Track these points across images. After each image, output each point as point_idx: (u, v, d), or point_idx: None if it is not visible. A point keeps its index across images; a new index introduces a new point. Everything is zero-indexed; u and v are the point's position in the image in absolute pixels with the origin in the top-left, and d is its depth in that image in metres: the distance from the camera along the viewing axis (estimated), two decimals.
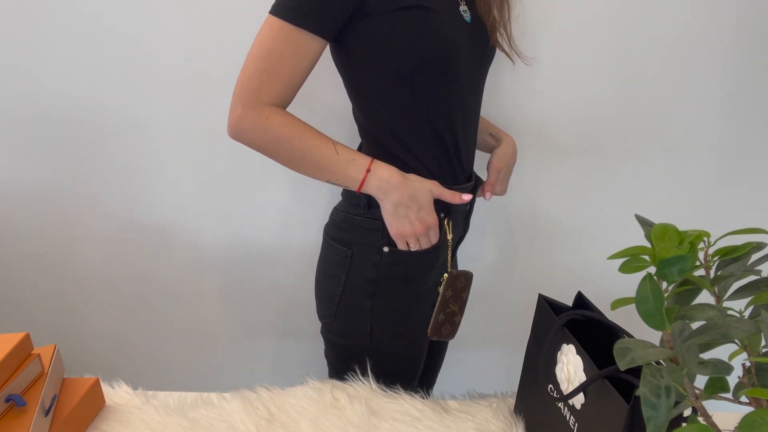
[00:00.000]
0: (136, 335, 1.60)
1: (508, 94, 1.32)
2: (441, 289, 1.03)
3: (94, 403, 0.91)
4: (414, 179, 0.95)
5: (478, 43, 1.01)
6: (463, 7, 0.97)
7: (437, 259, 1.04)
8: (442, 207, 1.01)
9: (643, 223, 0.61)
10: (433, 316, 1.03)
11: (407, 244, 0.99)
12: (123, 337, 1.61)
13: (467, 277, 1.05)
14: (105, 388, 0.95)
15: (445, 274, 1.02)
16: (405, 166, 0.97)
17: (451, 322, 1.06)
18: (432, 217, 0.96)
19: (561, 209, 1.45)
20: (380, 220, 0.99)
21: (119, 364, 1.63)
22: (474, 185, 1.10)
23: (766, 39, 1.29)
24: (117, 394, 0.95)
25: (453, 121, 0.99)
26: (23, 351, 0.82)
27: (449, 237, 1.03)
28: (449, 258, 1.04)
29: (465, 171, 1.06)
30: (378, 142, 0.98)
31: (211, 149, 1.38)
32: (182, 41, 1.28)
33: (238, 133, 0.89)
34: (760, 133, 1.38)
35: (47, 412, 0.82)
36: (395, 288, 1.03)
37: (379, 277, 1.01)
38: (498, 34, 1.05)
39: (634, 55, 1.30)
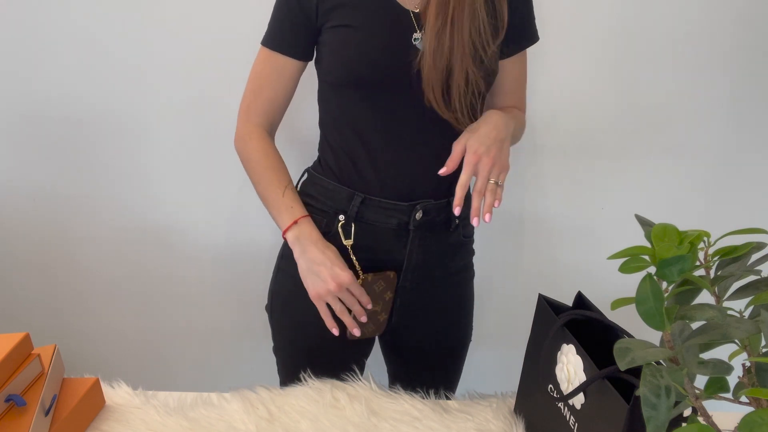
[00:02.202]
0: (136, 335, 1.60)
1: None
2: None
3: (94, 403, 0.91)
4: (328, 254, 0.97)
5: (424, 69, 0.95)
6: (417, 35, 0.95)
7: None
8: (339, 208, 1.03)
9: (643, 223, 0.62)
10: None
11: (340, 325, 1.00)
12: (123, 337, 1.61)
13: (387, 279, 1.03)
14: (105, 388, 0.95)
15: (359, 278, 1.01)
16: (323, 162, 1.07)
17: (375, 321, 1.05)
18: (346, 274, 0.95)
19: (561, 209, 1.45)
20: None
21: (119, 364, 1.63)
22: (419, 210, 1.03)
23: (766, 39, 1.29)
24: (117, 394, 0.95)
25: (367, 138, 1.00)
26: (23, 351, 0.82)
27: (345, 243, 1.01)
28: (355, 263, 1.02)
29: (394, 191, 1.02)
30: (321, 135, 1.09)
31: (211, 149, 1.38)
32: (182, 42, 1.28)
33: (235, 143, 1.08)
34: (760, 133, 1.38)
35: (47, 412, 0.82)
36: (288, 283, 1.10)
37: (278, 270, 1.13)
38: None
39: (634, 56, 1.30)
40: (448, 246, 1.09)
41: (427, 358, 1.20)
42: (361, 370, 1.17)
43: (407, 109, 0.98)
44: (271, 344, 1.19)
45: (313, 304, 1.02)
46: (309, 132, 1.15)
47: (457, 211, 0.91)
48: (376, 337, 1.20)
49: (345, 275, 0.95)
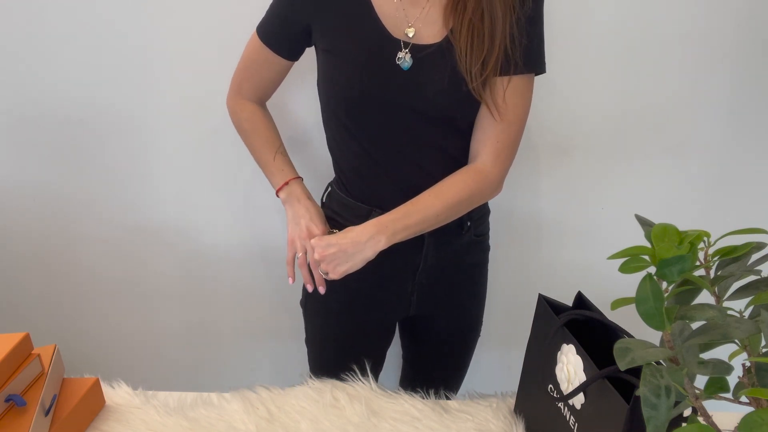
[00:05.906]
0: (136, 335, 1.60)
1: None
2: None
3: (94, 403, 0.91)
4: (310, 210, 1.06)
5: (413, 91, 0.96)
6: (402, 54, 0.95)
7: None
8: (360, 223, 1.02)
9: (643, 223, 0.61)
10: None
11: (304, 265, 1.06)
12: (123, 337, 1.61)
13: None
14: (105, 388, 0.95)
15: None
16: (338, 180, 1.11)
17: None
18: (318, 230, 1.04)
19: (561, 209, 1.45)
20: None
21: (119, 364, 1.63)
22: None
23: (766, 39, 1.29)
24: (117, 394, 0.95)
25: (368, 158, 1.04)
26: (23, 351, 0.82)
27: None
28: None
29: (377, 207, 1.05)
30: (331, 155, 1.12)
31: (211, 150, 1.38)
32: (182, 42, 1.28)
33: (228, 111, 1.14)
34: (760, 133, 1.37)
35: (47, 412, 0.82)
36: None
37: None
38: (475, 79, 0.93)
39: (633, 55, 1.30)
40: (461, 245, 1.13)
41: (442, 346, 1.25)
42: (383, 358, 1.25)
43: (400, 128, 1.00)
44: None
45: (344, 296, 1.12)
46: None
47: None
48: (396, 326, 1.26)
49: (317, 231, 1.04)
